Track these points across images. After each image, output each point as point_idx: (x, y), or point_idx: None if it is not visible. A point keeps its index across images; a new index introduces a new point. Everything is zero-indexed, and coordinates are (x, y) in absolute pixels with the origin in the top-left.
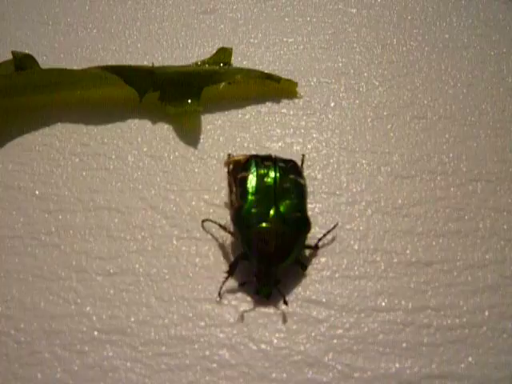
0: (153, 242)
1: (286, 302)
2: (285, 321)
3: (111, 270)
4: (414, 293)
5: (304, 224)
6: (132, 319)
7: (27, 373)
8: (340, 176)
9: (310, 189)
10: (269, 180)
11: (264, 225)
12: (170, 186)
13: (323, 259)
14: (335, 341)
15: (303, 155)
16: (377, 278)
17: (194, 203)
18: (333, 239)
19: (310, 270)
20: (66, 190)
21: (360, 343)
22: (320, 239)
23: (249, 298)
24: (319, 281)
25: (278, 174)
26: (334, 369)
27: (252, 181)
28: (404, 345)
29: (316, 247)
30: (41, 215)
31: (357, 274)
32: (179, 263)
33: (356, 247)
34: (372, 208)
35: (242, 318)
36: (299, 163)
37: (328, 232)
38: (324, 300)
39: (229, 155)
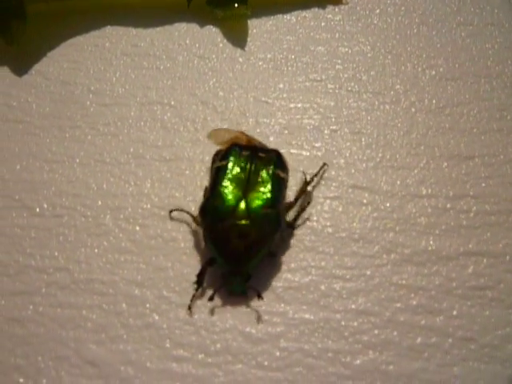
0: (205, 133)
1: (260, 297)
2: (330, 204)
3: (167, 157)
4: (455, 182)
5: (274, 221)
6: (189, 199)
7: (94, 241)
8: (385, 77)
9: (355, 89)
10: (242, 172)
11: (229, 221)
12: (219, 83)
13: (368, 151)
14: (378, 221)
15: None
16: (419, 168)
17: (242, 100)
18: (377, 134)
19: (355, 161)
20: (120, 87)
21: (402, 224)
22: (304, 189)
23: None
24: (364, 170)
25: (253, 166)
26: (377, 244)
27: (225, 172)
28: (443, 227)
29: (295, 200)
30: (97, 108)
31: (400, 164)
32: None
33: (400, 142)
34: (416, 107)
35: (292, 195)
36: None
37: (315, 175)
38: (368, 186)
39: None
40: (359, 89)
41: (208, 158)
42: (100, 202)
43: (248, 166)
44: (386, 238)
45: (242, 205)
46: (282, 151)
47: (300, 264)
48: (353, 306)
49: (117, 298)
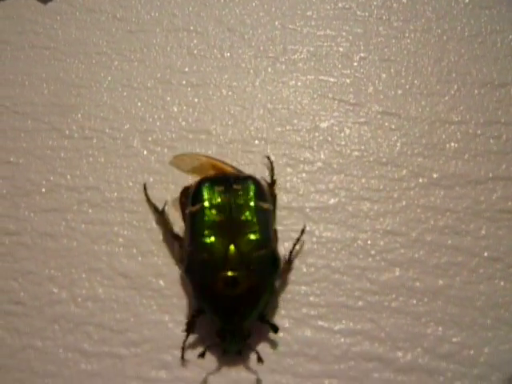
0: (232, 60)
1: (260, 360)
2: (359, 129)
3: (194, 82)
4: (486, 109)
5: (271, 262)
6: (216, 123)
7: (124, 162)
8: (416, 5)
9: (385, 16)
10: (221, 212)
11: (221, 274)
12: (245, 11)
13: (397, 78)
14: (407, 146)
15: (270, 161)
16: (450, 95)
17: (269, 27)
18: (407, 62)
19: (384, 87)
20: (145, 14)
21: (430, 149)
22: (291, 252)
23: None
24: (393, 97)
25: (232, 202)
26: (405, 168)
27: (202, 217)
28: (473, 152)
29: (290, 261)
30: (123, 35)
31: (430, 91)
32: (258, 78)
33: (430, 69)
34: (447, 35)
35: (320, 120)
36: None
37: (298, 238)
38: (397, 112)
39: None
40: (389, 16)
41: (236, 84)
42: (128, 125)
43: (227, 205)
44: (414, 163)
45: (232, 252)
46: (311, 77)
47: (327, 186)
48: (380, 226)
49: (147, 215)
